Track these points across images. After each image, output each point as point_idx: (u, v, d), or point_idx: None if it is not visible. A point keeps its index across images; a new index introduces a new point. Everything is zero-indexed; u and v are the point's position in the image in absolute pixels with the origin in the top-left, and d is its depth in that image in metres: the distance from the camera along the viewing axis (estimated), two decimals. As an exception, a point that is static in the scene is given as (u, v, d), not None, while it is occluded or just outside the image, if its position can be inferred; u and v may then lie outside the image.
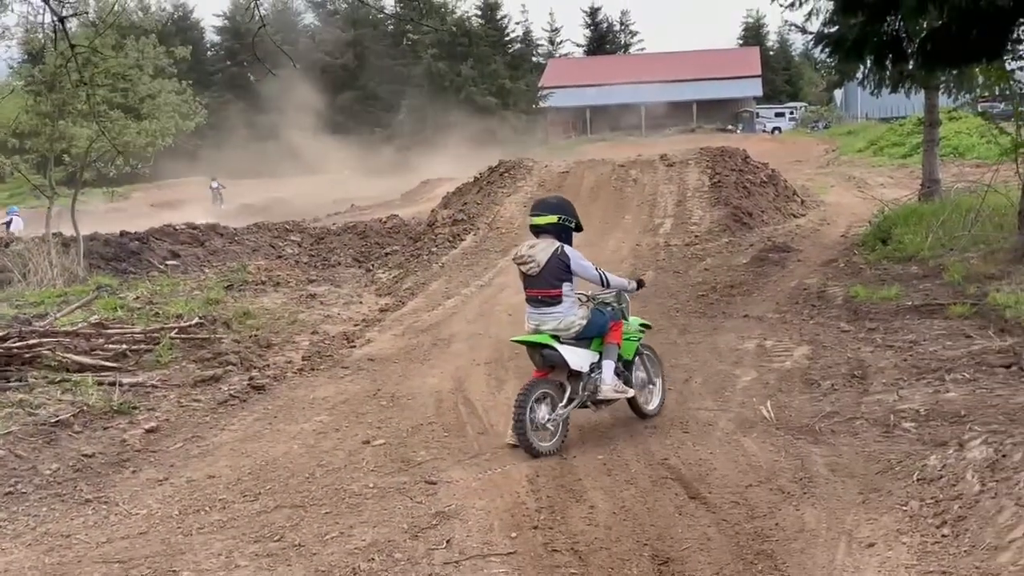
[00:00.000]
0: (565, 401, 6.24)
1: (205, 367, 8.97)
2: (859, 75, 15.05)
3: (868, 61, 11.64)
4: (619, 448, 6.22)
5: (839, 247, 14.36)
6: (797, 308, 10.24)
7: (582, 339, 6.40)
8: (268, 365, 9.21)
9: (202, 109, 21.79)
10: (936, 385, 6.77)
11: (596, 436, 6.56)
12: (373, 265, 16.06)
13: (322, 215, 28.35)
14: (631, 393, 6.55)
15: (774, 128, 71.52)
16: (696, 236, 15.81)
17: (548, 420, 6.12)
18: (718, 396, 7.32)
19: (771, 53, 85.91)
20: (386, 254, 16.96)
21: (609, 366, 6.42)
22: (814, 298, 10.58)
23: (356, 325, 11.34)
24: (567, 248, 6.38)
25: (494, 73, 61.04)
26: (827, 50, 11.82)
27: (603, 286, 6.53)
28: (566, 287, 6.35)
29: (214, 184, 41.84)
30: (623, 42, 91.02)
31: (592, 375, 6.40)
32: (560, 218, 6.43)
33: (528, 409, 6.01)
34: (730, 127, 70.56)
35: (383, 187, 38.49)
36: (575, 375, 6.35)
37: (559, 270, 6.31)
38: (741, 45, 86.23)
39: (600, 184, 19.37)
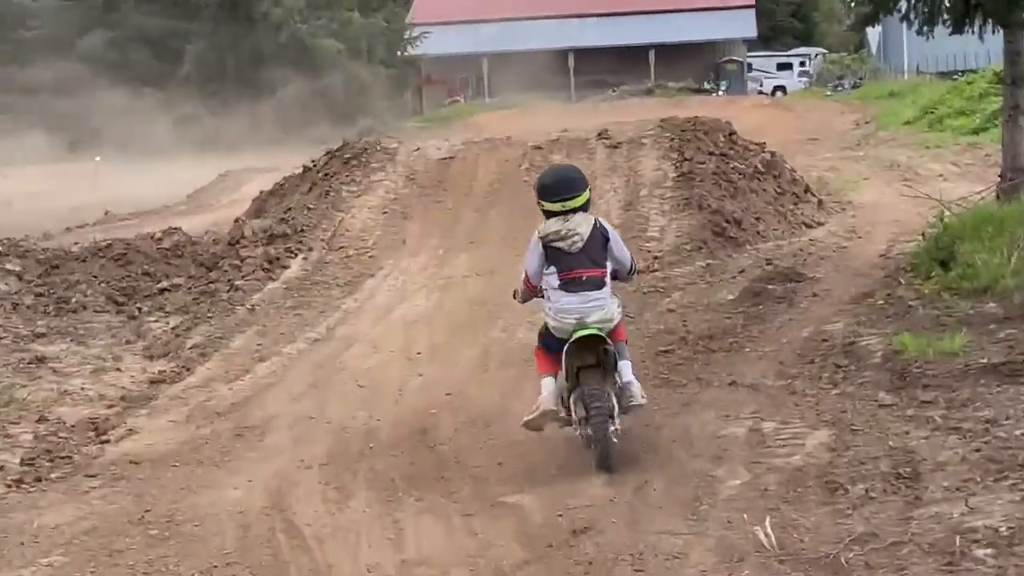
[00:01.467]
0: (619, 411, 8.45)
1: None
2: (902, 5, 15.48)
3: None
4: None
5: (876, 274, 14.65)
6: (812, 370, 10.40)
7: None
8: (-43, 476, 8.96)
9: None
10: (1026, 489, 6.93)
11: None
12: (140, 309, 15.73)
13: (57, 228, 27.65)
14: (644, 400, 8.70)
15: (776, 88, 73.44)
16: (655, 258, 15.97)
17: (617, 430, 8.36)
18: (690, 512, 7.37)
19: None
20: (161, 291, 16.64)
21: (629, 368, 8.68)
22: (838, 354, 10.75)
23: (111, 406, 11.14)
24: (603, 221, 8.74)
25: (334, 2, 61.07)
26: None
27: (629, 275, 9.10)
28: (609, 267, 8.62)
29: None
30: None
31: (622, 373, 8.60)
32: (589, 194, 8.74)
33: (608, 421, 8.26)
34: (707, 86, 72.10)
35: (157, 183, 37.82)
36: (611, 369, 8.53)
37: (601, 246, 8.56)
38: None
39: (503, 177, 19.47)
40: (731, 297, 13.77)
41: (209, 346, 13.42)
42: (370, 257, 16.99)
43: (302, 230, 17.83)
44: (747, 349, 11.51)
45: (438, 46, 69.39)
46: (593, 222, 8.58)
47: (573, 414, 8.49)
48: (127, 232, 22.74)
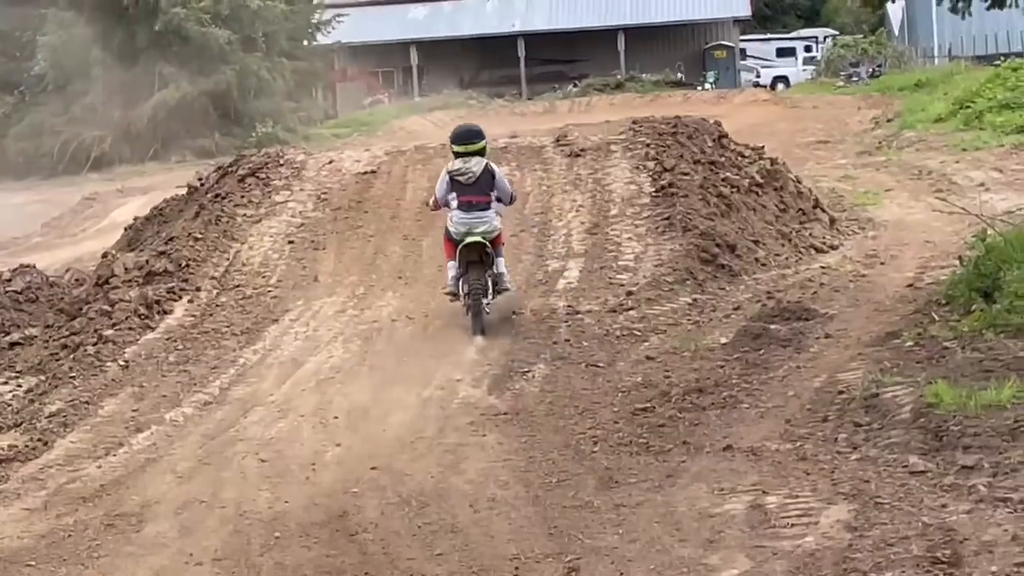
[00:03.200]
0: (492, 292, 15.33)
1: None
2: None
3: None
4: None
5: (903, 308, 14.76)
6: (826, 430, 10.45)
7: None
8: None
9: None
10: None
11: None
12: (-17, 368, 15.67)
13: None
14: (512, 288, 15.92)
15: (776, 79, 74.06)
16: (628, 293, 16.07)
17: (488, 304, 15.16)
18: (679, 611, 7.37)
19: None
20: (11, 345, 16.60)
21: (502, 263, 15.60)
22: (858, 410, 10.80)
23: (-54, 492, 10.98)
24: (492, 164, 15.71)
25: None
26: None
27: (510, 202, 16.06)
28: (493, 195, 15.38)
29: None
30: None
31: (495, 268, 15.42)
32: (486, 143, 15.77)
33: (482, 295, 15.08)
34: (687, 78, 72.41)
35: (3, 210, 37.64)
36: (489, 265, 15.29)
37: (488, 182, 15.35)
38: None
39: (439, 194, 19.51)
40: (724, 340, 13.85)
41: (72, 413, 13.30)
42: (273, 298, 16.96)
43: (187, 265, 17.78)
44: (745, 405, 11.55)
45: (355, 33, 69.52)
46: (484, 164, 15.55)
47: (461, 292, 15.40)
48: (-34, 272, 22.58)
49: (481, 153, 15.60)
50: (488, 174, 15.48)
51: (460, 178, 15.37)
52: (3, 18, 63.03)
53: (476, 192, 15.33)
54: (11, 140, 56.30)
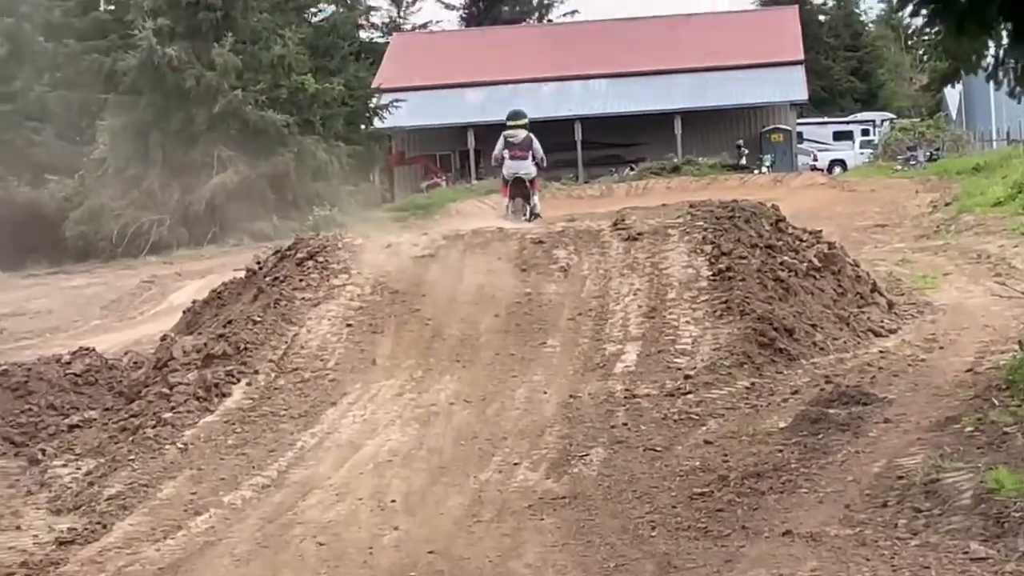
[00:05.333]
0: (529, 213, 25.35)
1: None
2: (987, 60, 15.67)
3: (1003, 29, 11.99)
4: None
5: (963, 393, 14.66)
6: (886, 516, 10.40)
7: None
8: None
9: None
10: None
11: None
12: (44, 451, 15.75)
13: (-66, 350, 27.80)
14: (540, 211, 25.90)
15: (833, 163, 73.95)
16: (686, 377, 16.02)
17: (527, 211, 25.49)
18: None
19: (821, 20, 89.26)
20: (71, 428, 16.67)
21: (536, 198, 25.78)
22: (918, 495, 10.76)
23: (10, 574, 11.06)
24: (531, 135, 25.73)
25: (280, 64, 61.46)
26: (924, 11, 12.18)
27: (541, 161, 26.09)
28: (530, 153, 25.44)
29: None
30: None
31: (533, 200, 25.61)
32: (527, 120, 25.98)
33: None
34: (744, 162, 72.48)
35: (62, 292, 37.97)
36: (528, 199, 25.55)
37: (528, 144, 25.41)
38: (763, 4, 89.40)
39: (496, 279, 19.56)
40: (783, 425, 13.79)
41: (131, 496, 13.33)
42: (331, 381, 16.96)
43: (246, 348, 17.82)
44: (804, 490, 11.50)
45: (413, 116, 69.95)
46: (526, 134, 25.21)
47: (510, 211, 25.20)
48: (26, 355, 22.80)
49: (524, 127, 25.42)
50: (528, 139, 25.25)
51: (512, 139, 25.18)
52: (64, 102, 63.82)
53: (520, 149, 25.12)
54: (71, 223, 56.73)
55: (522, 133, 25.54)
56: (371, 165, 68.98)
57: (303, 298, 19.22)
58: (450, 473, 13.23)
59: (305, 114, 60.94)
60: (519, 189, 25.54)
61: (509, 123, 25.96)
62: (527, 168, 25.47)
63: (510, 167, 25.53)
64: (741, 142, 72.91)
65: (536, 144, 25.67)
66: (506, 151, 25.52)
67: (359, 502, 12.58)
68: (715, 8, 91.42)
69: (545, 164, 26.82)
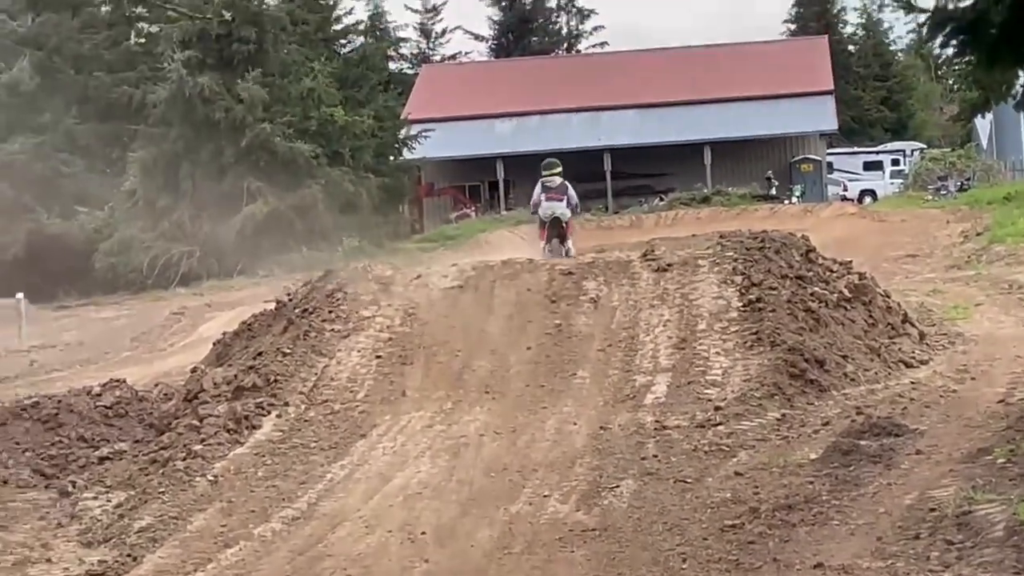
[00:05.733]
0: (564, 252, 26.64)
1: None
2: (1018, 89, 15.64)
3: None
4: None
5: (996, 424, 14.59)
6: (918, 548, 10.36)
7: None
8: None
9: None
10: None
11: None
12: (75, 483, 15.78)
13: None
14: (574, 254, 26.47)
15: (863, 193, 73.86)
16: (716, 408, 16.00)
17: (563, 252, 26.71)
18: None
19: (851, 50, 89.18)
20: (101, 460, 16.71)
21: (571, 241, 27.60)
22: (950, 527, 10.71)
23: (39, 608, 11.04)
24: (566, 181, 27.98)
25: (310, 96, 61.64)
26: (954, 41, 12.16)
27: (575, 206, 28.37)
28: (565, 198, 27.47)
29: None
30: (567, 30, 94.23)
31: (567, 243, 27.29)
32: (560, 169, 28.23)
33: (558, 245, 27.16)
34: (774, 192, 72.46)
35: (93, 324, 38.11)
36: (564, 240, 27.12)
37: (563, 190, 27.50)
38: (792, 34, 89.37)
39: (525, 311, 19.58)
40: (814, 456, 13.73)
41: (161, 529, 13.36)
42: (361, 413, 16.99)
43: (276, 380, 17.84)
44: (835, 522, 11.47)
45: (442, 147, 70.03)
46: (561, 180, 27.39)
47: (547, 251, 26.29)
48: (57, 387, 22.88)
49: (559, 175, 27.64)
50: (564, 185, 27.38)
51: (548, 184, 27.36)
52: (94, 134, 64.12)
53: (556, 193, 27.15)
54: (101, 255, 56.89)
55: (558, 179, 27.71)
56: (400, 196, 69.10)
57: (333, 330, 19.25)
58: (480, 505, 13.22)
59: (334, 145, 61.09)
60: (555, 230, 27.12)
61: (544, 172, 28.05)
62: (562, 209, 27.22)
63: (546, 208, 27.38)
64: (771, 173, 72.93)
65: (571, 191, 27.76)
66: (543, 195, 27.53)
67: (389, 534, 12.58)
68: (746, 38, 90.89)
69: (579, 210, 29.49)
